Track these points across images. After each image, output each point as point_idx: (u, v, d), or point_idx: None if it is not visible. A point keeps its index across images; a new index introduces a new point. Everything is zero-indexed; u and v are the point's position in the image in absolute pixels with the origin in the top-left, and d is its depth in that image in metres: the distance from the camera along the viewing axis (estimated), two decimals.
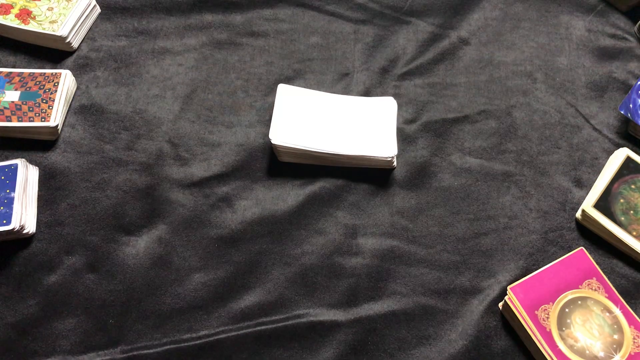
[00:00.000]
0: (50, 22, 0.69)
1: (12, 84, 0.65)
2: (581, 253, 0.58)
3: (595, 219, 0.60)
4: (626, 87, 0.73)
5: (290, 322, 0.54)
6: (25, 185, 0.58)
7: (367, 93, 0.69)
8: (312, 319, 0.55)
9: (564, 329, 0.53)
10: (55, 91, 0.64)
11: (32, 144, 0.63)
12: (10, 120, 0.61)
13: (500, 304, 0.56)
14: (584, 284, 0.56)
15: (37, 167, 0.61)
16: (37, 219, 0.58)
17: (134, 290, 0.56)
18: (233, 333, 0.54)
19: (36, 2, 0.71)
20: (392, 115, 0.64)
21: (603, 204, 0.61)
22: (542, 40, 0.77)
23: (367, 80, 0.71)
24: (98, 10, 0.74)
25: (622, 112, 0.68)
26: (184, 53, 0.72)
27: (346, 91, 0.70)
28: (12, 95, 0.64)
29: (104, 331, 0.54)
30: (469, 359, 0.54)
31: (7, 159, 0.60)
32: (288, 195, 0.62)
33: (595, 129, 0.69)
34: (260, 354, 0.53)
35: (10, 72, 0.66)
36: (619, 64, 0.75)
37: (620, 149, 0.66)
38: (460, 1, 0.79)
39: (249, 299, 0.56)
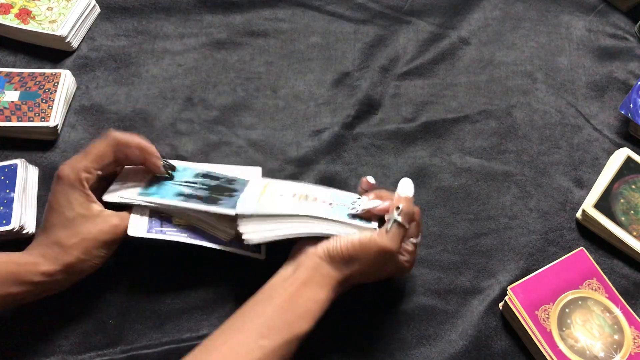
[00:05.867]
0: (49, 21, 0.69)
1: (11, 83, 0.64)
2: (581, 253, 0.58)
3: (595, 219, 0.60)
4: (626, 87, 0.73)
5: None
6: (25, 185, 0.58)
7: (367, 93, 0.69)
8: None
9: (564, 329, 0.53)
10: (55, 91, 0.64)
11: (32, 144, 0.63)
12: (9, 120, 0.61)
13: (501, 304, 0.56)
14: (584, 284, 0.56)
15: (37, 167, 0.61)
16: (37, 219, 0.58)
17: (134, 290, 0.56)
18: None
19: (36, 1, 0.71)
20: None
21: (603, 204, 0.61)
22: (543, 40, 0.77)
23: (367, 79, 0.71)
24: (98, 10, 0.74)
25: (622, 112, 0.68)
26: (183, 53, 0.72)
27: (346, 91, 0.70)
28: (12, 95, 0.63)
29: (104, 331, 0.54)
30: (469, 359, 0.54)
31: (6, 159, 0.60)
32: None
33: (595, 129, 0.69)
34: None
35: (10, 72, 0.66)
36: (620, 64, 0.75)
37: (621, 149, 0.66)
38: (460, 1, 0.79)
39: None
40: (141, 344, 0.53)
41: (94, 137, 0.64)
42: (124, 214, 0.51)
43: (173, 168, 0.55)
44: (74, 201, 0.48)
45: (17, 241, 0.57)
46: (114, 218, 0.50)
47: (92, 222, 0.48)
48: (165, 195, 0.52)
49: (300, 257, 0.49)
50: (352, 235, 0.48)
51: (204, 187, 0.54)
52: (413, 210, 0.50)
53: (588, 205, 0.61)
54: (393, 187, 0.63)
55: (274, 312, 0.45)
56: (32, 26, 0.69)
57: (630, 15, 0.80)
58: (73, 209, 0.48)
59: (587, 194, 0.63)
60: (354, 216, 0.50)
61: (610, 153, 0.67)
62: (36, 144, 0.63)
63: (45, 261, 0.47)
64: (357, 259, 0.48)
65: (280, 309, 0.45)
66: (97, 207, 0.50)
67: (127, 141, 0.50)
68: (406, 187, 0.52)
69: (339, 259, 0.48)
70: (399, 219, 0.48)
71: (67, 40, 0.69)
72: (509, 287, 0.55)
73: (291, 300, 0.46)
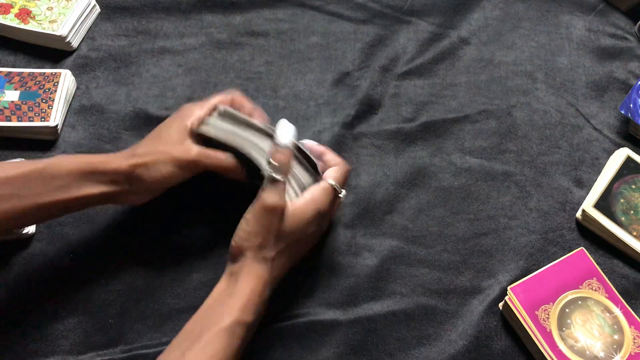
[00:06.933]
0: (49, 21, 0.69)
1: (11, 83, 0.64)
2: (581, 253, 0.58)
3: (595, 219, 0.60)
4: (626, 87, 0.73)
5: (289, 321, 0.54)
6: None
7: (367, 93, 0.69)
8: (311, 318, 0.55)
9: (564, 329, 0.53)
10: (55, 91, 0.64)
11: (32, 144, 0.63)
12: (10, 120, 0.61)
13: (501, 304, 0.56)
14: (584, 284, 0.56)
15: None
16: None
17: (133, 290, 0.56)
18: None
19: (36, 1, 0.71)
20: None
21: (603, 204, 0.61)
22: (543, 40, 0.77)
23: (367, 79, 0.71)
24: (98, 9, 0.74)
25: (622, 112, 0.68)
26: (183, 53, 0.72)
27: (346, 91, 0.70)
28: (12, 95, 0.63)
29: (104, 331, 0.54)
30: (469, 359, 0.54)
31: (7, 159, 0.60)
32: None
33: (595, 128, 0.69)
34: (259, 354, 0.53)
35: (10, 72, 0.66)
36: (620, 63, 0.75)
37: (621, 149, 0.66)
38: (460, 1, 0.79)
39: None
40: (141, 344, 0.53)
41: (94, 137, 0.65)
42: (208, 151, 0.53)
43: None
44: (174, 127, 0.53)
45: (17, 241, 0.57)
46: (194, 149, 0.53)
47: (173, 145, 0.52)
48: None
49: (234, 267, 0.49)
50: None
51: None
52: (286, 161, 0.50)
53: (588, 205, 0.61)
54: (393, 187, 0.64)
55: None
56: (32, 26, 0.69)
57: (630, 15, 0.80)
58: (168, 132, 0.53)
59: (587, 194, 0.63)
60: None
61: (610, 153, 0.67)
62: (36, 144, 0.63)
63: (116, 160, 0.51)
64: (258, 227, 0.48)
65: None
66: (189, 140, 0.53)
67: (242, 103, 0.57)
68: (284, 133, 0.51)
69: (249, 243, 0.48)
70: (270, 172, 0.49)
71: (67, 40, 0.69)
72: (509, 287, 0.55)
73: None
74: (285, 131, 0.51)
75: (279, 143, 0.50)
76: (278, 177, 0.49)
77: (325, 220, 0.55)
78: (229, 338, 0.44)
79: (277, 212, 0.48)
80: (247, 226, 0.49)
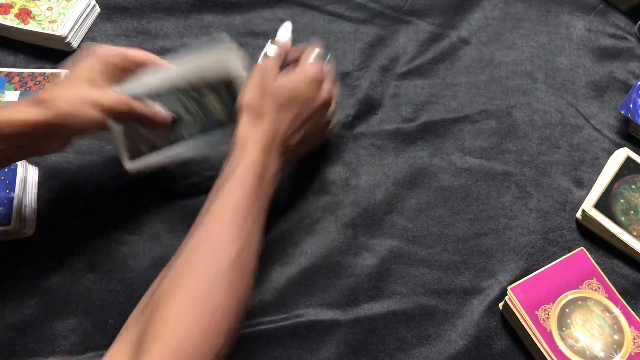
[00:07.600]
0: (49, 21, 0.69)
1: (11, 84, 0.65)
2: (581, 253, 0.58)
3: (595, 219, 0.60)
4: (626, 87, 0.73)
5: (289, 321, 0.54)
6: (25, 186, 0.58)
7: (367, 93, 0.69)
8: (311, 318, 0.55)
9: (564, 329, 0.53)
10: None
11: None
12: None
13: (501, 304, 0.56)
14: (584, 284, 0.56)
15: (37, 167, 0.61)
16: (37, 219, 0.58)
17: (134, 290, 0.56)
18: None
19: (36, 1, 0.71)
20: None
21: (603, 204, 0.61)
22: (543, 40, 0.77)
23: (367, 79, 0.70)
24: (98, 10, 0.74)
25: (622, 112, 0.68)
26: None
27: (346, 91, 0.70)
28: (12, 95, 0.63)
29: (104, 331, 0.54)
30: (469, 359, 0.54)
31: None
32: (287, 195, 0.62)
33: (595, 129, 0.69)
34: (259, 354, 0.53)
35: (10, 72, 0.66)
36: (619, 64, 0.75)
37: (621, 149, 0.66)
38: (460, 1, 0.79)
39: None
40: None
41: (94, 137, 0.64)
42: (128, 100, 0.51)
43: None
44: (84, 68, 0.51)
45: (17, 241, 0.57)
46: (112, 95, 0.50)
47: (88, 87, 0.49)
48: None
49: (237, 131, 0.51)
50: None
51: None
52: (284, 45, 0.59)
53: (588, 205, 0.61)
54: (393, 187, 0.64)
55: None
56: (32, 26, 0.69)
57: (630, 15, 0.80)
58: (80, 74, 0.50)
59: (587, 194, 0.63)
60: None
61: (610, 153, 0.67)
62: None
63: (20, 110, 0.46)
64: (251, 85, 0.53)
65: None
66: (103, 80, 0.51)
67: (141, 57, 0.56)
68: (282, 32, 0.60)
69: (245, 99, 0.52)
70: (269, 50, 0.57)
71: (67, 40, 0.69)
72: (509, 287, 0.55)
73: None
74: (284, 30, 0.59)
75: (278, 41, 0.59)
76: (272, 54, 0.56)
77: (318, 87, 0.57)
78: (249, 184, 0.48)
79: (268, 71, 0.54)
80: (245, 87, 0.53)
